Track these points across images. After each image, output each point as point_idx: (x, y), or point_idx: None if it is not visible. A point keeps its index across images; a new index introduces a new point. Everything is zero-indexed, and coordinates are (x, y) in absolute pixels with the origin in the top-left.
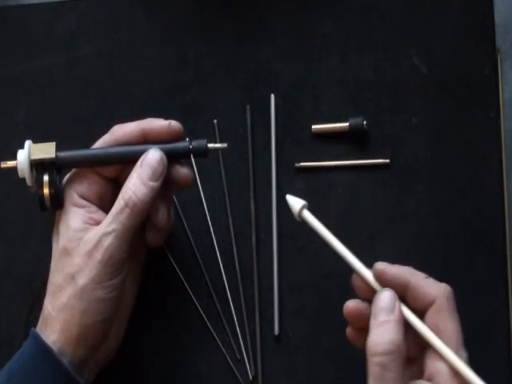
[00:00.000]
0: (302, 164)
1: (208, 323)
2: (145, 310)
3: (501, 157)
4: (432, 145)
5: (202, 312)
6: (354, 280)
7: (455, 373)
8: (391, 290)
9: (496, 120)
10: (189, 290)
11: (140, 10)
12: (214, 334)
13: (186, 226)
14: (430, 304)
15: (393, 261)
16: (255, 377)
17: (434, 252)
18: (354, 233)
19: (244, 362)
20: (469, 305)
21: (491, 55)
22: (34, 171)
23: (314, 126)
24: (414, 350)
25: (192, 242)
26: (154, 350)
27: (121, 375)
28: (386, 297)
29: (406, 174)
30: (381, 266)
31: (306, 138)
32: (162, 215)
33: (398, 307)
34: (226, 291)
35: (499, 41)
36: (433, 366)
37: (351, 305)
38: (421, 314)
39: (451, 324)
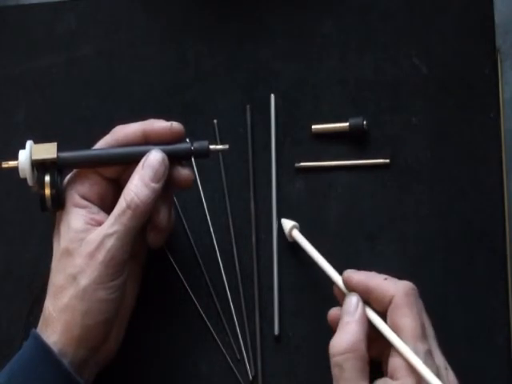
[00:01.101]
0: (302, 164)
1: (208, 323)
2: (145, 310)
3: (501, 157)
4: (432, 145)
5: (201, 312)
6: (334, 290)
7: (412, 368)
8: (355, 294)
9: (496, 120)
10: (189, 290)
11: (140, 10)
12: (214, 334)
13: (186, 226)
14: (389, 303)
15: (393, 261)
16: (255, 377)
17: (434, 252)
18: (354, 233)
19: (244, 362)
20: (469, 305)
21: (491, 55)
22: (36, 171)
23: (313, 126)
24: (381, 349)
25: (192, 241)
26: (154, 350)
27: (121, 375)
28: (349, 301)
29: (406, 174)
30: (347, 273)
31: (306, 138)
32: (163, 216)
33: (361, 309)
34: (226, 291)
35: (499, 41)
36: (392, 362)
37: (333, 312)
38: (384, 315)
39: (408, 319)
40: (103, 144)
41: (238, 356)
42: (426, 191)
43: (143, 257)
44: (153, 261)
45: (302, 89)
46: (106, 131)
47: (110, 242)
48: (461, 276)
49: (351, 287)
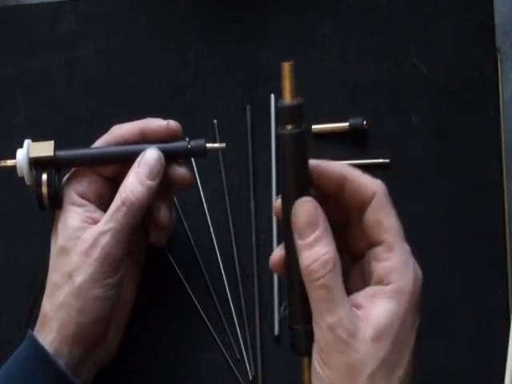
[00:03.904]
0: None
1: (208, 323)
2: (144, 310)
3: (501, 157)
4: (432, 145)
5: (202, 312)
6: (275, 206)
7: (405, 262)
8: (310, 199)
9: (496, 120)
10: (189, 290)
11: (140, 10)
12: (214, 334)
13: (186, 226)
14: (370, 199)
15: None
16: (255, 377)
17: (434, 252)
18: None
19: (244, 362)
20: (469, 305)
21: (491, 55)
22: (34, 170)
23: (314, 126)
24: (356, 249)
25: (192, 242)
26: (154, 350)
27: (121, 375)
28: (305, 210)
29: (406, 174)
30: (315, 162)
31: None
32: (164, 214)
33: (322, 217)
34: (226, 291)
35: (499, 41)
36: (381, 267)
37: (277, 254)
38: (359, 210)
39: (393, 219)
40: (101, 143)
41: (238, 356)
42: (426, 191)
43: (141, 256)
44: (152, 261)
45: (301, 89)
46: (105, 131)
47: (104, 239)
48: (461, 276)
49: (322, 177)
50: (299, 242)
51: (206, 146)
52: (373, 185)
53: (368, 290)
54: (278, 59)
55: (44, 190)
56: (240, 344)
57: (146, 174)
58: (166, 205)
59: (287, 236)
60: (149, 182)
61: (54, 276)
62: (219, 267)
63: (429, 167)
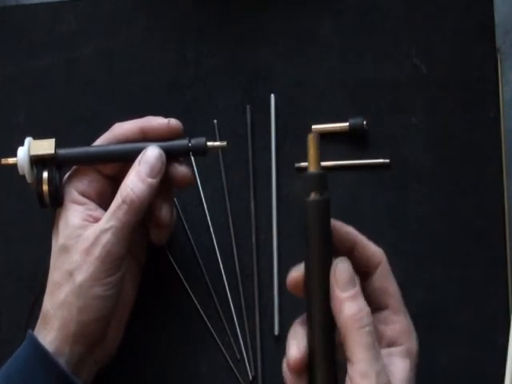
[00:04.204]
0: (302, 164)
1: (208, 323)
2: (144, 310)
3: (501, 157)
4: (432, 145)
5: (202, 312)
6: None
7: (409, 324)
8: (346, 258)
9: (496, 120)
10: (189, 290)
11: (140, 10)
12: (214, 334)
13: (186, 226)
14: (376, 266)
15: (393, 261)
16: (255, 377)
17: (434, 252)
18: None
19: (244, 362)
20: (469, 305)
21: (491, 55)
22: (35, 168)
23: (314, 126)
24: None
25: (192, 242)
26: (154, 350)
27: (121, 375)
28: (346, 267)
29: (406, 174)
30: (337, 222)
31: (306, 138)
32: (164, 213)
33: (355, 275)
34: (226, 291)
35: (499, 41)
36: (392, 330)
37: (295, 274)
38: (364, 274)
39: (396, 285)
40: (102, 141)
41: (238, 356)
42: (426, 191)
43: (142, 256)
44: (153, 261)
45: (301, 89)
46: (105, 131)
47: (105, 238)
48: (461, 276)
49: (338, 238)
50: (342, 295)
51: (206, 145)
52: (379, 253)
53: (384, 350)
54: (278, 59)
55: (45, 187)
56: (240, 344)
57: (147, 172)
58: (166, 203)
59: (315, 298)
60: (150, 180)
61: (54, 274)
62: (219, 267)
63: (429, 167)
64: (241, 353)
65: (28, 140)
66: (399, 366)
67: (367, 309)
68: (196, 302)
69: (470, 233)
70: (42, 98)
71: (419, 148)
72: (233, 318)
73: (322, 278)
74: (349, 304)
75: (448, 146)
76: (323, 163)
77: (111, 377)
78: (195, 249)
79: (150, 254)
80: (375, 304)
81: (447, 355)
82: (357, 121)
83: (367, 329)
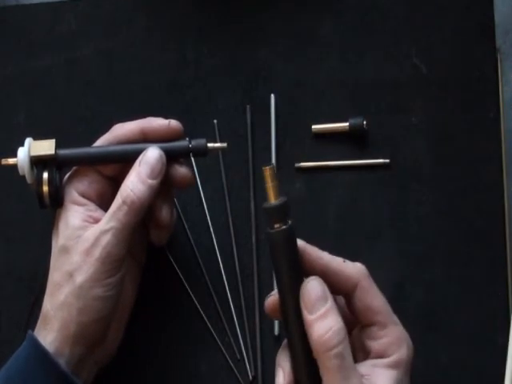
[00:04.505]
0: (302, 164)
1: (208, 323)
2: (144, 310)
3: (501, 157)
4: (432, 145)
5: (202, 312)
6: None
7: (398, 336)
8: (316, 277)
9: (496, 120)
10: (189, 290)
11: (140, 10)
12: (214, 334)
13: (186, 226)
14: (354, 287)
15: (393, 261)
16: (255, 377)
17: (434, 252)
18: (354, 233)
19: (244, 362)
20: (469, 305)
21: (491, 55)
22: (35, 169)
23: (313, 126)
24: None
25: (192, 242)
26: (154, 350)
27: (121, 375)
28: (315, 286)
29: (405, 174)
30: (304, 245)
31: (306, 138)
32: (165, 213)
33: (328, 291)
34: (226, 291)
35: (499, 41)
36: (381, 342)
37: (271, 299)
38: (346, 295)
39: (380, 298)
40: (102, 142)
41: (238, 356)
42: (426, 191)
43: (142, 256)
44: (153, 261)
45: (301, 89)
46: (105, 131)
47: (105, 239)
48: (461, 276)
49: (308, 262)
50: (309, 318)
51: (207, 146)
52: (355, 273)
53: (369, 362)
54: (278, 59)
55: (45, 188)
56: (240, 344)
57: (147, 173)
58: (167, 204)
59: (290, 323)
60: (150, 181)
61: (54, 275)
62: (219, 267)
63: (429, 167)
64: (241, 353)
65: (28, 140)
66: (383, 377)
67: (338, 325)
68: (196, 302)
69: (470, 233)
70: (42, 98)
71: (419, 148)
72: (233, 318)
73: (293, 302)
74: (317, 325)
75: (448, 146)
76: (323, 163)
77: (111, 377)
78: (195, 249)
79: (150, 255)
80: (362, 320)
81: (447, 355)
82: (357, 121)
83: (334, 351)
